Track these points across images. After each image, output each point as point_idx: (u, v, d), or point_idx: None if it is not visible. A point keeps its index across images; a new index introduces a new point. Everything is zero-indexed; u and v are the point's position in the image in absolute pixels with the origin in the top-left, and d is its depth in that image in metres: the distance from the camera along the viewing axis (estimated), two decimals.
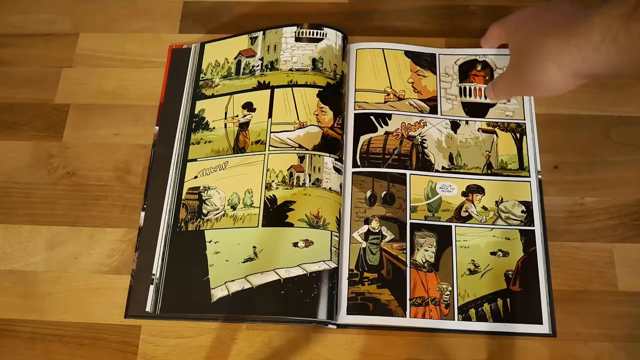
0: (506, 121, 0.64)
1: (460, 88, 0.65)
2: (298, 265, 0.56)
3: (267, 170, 0.60)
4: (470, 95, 0.65)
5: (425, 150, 0.62)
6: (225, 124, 0.64)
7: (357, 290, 0.57)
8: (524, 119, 0.64)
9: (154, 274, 0.58)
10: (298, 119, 0.62)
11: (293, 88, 0.63)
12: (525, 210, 0.60)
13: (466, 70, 0.66)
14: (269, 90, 0.64)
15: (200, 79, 0.67)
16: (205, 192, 0.61)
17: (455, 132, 0.63)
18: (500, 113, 0.64)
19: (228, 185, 0.61)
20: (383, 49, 0.67)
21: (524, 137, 0.63)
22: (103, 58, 0.71)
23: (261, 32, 0.68)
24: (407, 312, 0.56)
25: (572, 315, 0.56)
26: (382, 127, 0.63)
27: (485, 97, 0.65)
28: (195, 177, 0.62)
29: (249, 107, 0.64)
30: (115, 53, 0.71)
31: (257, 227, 0.58)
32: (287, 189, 0.59)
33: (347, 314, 0.56)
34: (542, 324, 0.55)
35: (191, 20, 0.72)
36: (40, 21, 0.73)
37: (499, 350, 0.55)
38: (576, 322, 0.56)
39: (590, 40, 0.42)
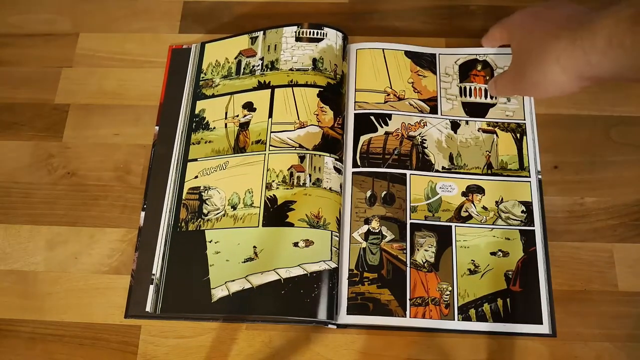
0: (506, 121, 0.64)
1: (460, 88, 0.65)
2: (298, 265, 0.56)
3: (267, 170, 0.60)
4: (470, 95, 0.65)
5: (426, 150, 0.62)
6: (226, 124, 0.64)
7: (357, 290, 0.57)
8: (524, 119, 0.64)
9: (154, 274, 0.58)
10: (298, 119, 0.62)
11: (293, 88, 0.63)
12: (525, 210, 0.60)
13: (466, 70, 0.66)
14: (270, 90, 0.64)
15: (201, 78, 0.67)
16: (206, 192, 0.61)
17: (456, 132, 0.63)
18: (501, 113, 0.64)
19: (228, 185, 0.61)
20: (383, 49, 0.67)
21: (524, 137, 0.63)
22: (103, 58, 0.70)
23: (261, 32, 0.68)
24: (407, 312, 0.56)
25: (572, 315, 0.56)
26: (382, 127, 0.63)
27: (486, 97, 0.65)
28: (196, 177, 0.62)
29: (249, 107, 0.64)
30: (115, 53, 0.71)
31: (258, 227, 0.58)
32: (287, 188, 0.59)
33: (347, 314, 0.56)
34: (542, 324, 0.55)
35: (191, 20, 0.72)
36: (40, 21, 0.73)
37: (499, 350, 0.55)
38: (576, 322, 0.56)
39: (596, 44, 0.42)
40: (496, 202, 0.60)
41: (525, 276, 0.57)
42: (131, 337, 0.57)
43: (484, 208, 0.60)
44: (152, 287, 0.58)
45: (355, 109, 0.64)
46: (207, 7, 0.73)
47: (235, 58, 0.67)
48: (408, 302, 0.56)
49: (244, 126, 0.63)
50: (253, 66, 0.66)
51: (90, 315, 0.58)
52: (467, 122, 0.64)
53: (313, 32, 0.66)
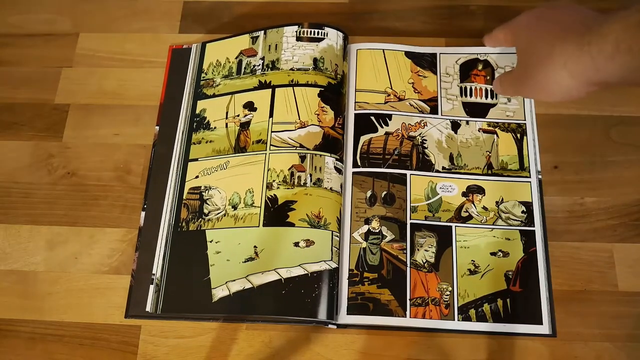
0: (507, 121, 0.64)
1: (460, 88, 0.65)
2: (299, 265, 0.56)
3: (268, 170, 0.60)
4: (470, 95, 0.65)
5: (426, 150, 0.63)
6: (227, 124, 0.64)
7: (357, 290, 0.57)
8: (525, 119, 0.64)
9: (154, 274, 0.58)
10: (299, 119, 0.62)
11: (294, 87, 0.63)
12: (525, 210, 0.60)
13: (467, 70, 0.66)
14: (270, 89, 0.64)
15: (202, 78, 0.67)
16: (207, 191, 0.61)
17: (456, 133, 0.63)
18: (501, 113, 0.64)
19: (229, 184, 0.61)
20: (383, 50, 0.67)
21: (525, 137, 0.63)
22: (103, 58, 0.70)
23: (262, 32, 0.68)
24: (407, 312, 0.56)
25: (572, 315, 0.56)
26: (382, 127, 0.64)
27: (486, 97, 0.65)
28: (197, 176, 0.62)
29: (250, 106, 0.64)
30: (115, 53, 0.71)
31: (258, 226, 0.58)
32: (288, 188, 0.59)
33: (347, 314, 0.56)
34: (542, 324, 0.55)
35: (191, 20, 0.72)
36: (40, 21, 0.73)
37: (499, 350, 0.55)
38: (576, 322, 0.56)
39: (604, 49, 0.41)
40: (496, 202, 0.60)
41: (525, 276, 0.57)
42: (131, 337, 0.57)
43: (484, 208, 0.60)
44: (152, 287, 0.58)
45: (355, 109, 0.64)
46: (207, 7, 0.73)
47: (236, 58, 0.67)
48: (408, 302, 0.56)
49: (245, 126, 0.63)
50: (254, 66, 0.66)
51: (90, 315, 0.58)
52: (467, 122, 0.64)
53: (314, 31, 0.66)
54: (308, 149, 0.60)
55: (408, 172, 0.61)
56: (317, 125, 0.62)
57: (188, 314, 0.57)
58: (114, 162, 0.65)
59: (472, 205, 0.60)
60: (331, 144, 0.61)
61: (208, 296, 0.56)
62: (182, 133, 0.65)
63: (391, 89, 0.66)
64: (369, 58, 0.67)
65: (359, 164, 0.62)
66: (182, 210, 0.61)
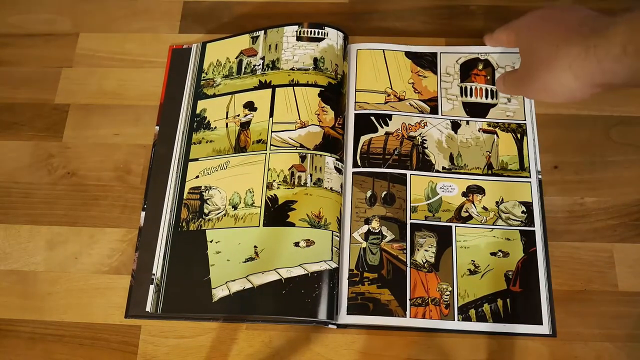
0: (507, 121, 0.64)
1: (461, 88, 0.65)
2: (299, 265, 0.56)
3: (268, 170, 0.60)
4: (471, 95, 0.65)
5: (426, 150, 0.63)
6: (227, 124, 0.64)
7: (357, 290, 0.57)
8: (525, 119, 0.64)
9: (154, 274, 0.58)
10: (299, 119, 0.62)
11: (294, 87, 0.63)
12: (525, 210, 0.60)
13: (467, 70, 0.66)
14: (271, 89, 0.64)
15: (202, 78, 0.67)
16: (207, 191, 0.61)
17: (456, 133, 0.63)
18: (501, 113, 0.64)
19: (229, 184, 0.61)
20: (383, 50, 0.67)
21: (525, 137, 0.63)
22: (103, 58, 0.70)
23: (262, 32, 0.68)
24: (407, 312, 0.56)
25: (572, 315, 0.56)
26: (382, 127, 0.64)
27: (486, 97, 0.65)
28: (197, 176, 0.62)
29: (250, 106, 0.64)
30: (115, 53, 0.71)
31: (259, 226, 0.58)
32: (288, 188, 0.59)
33: (347, 314, 0.56)
34: (542, 324, 0.55)
35: (191, 20, 0.72)
36: (40, 21, 0.73)
37: (499, 350, 0.55)
38: (576, 322, 0.56)
39: (610, 51, 0.41)
40: (496, 202, 0.60)
41: (525, 276, 0.57)
42: (131, 337, 0.57)
43: (484, 208, 0.60)
44: (152, 287, 0.58)
45: (355, 109, 0.64)
46: (207, 7, 0.73)
47: (237, 57, 0.67)
48: (408, 302, 0.56)
49: (245, 126, 0.63)
50: (254, 66, 0.66)
51: (90, 315, 0.58)
52: (467, 122, 0.64)
53: (314, 31, 0.66)
54: (308, 149, 0.60)
55: (408, 172, 0.61)
56: (318, 125, 0.62)
57: (188, 314, 0.57)
58: (114, 162, 0.65)
59: (472, 205, 0.60)
60: (331, 144, 0.61)
61: (208, 296, 0.56)
62: (182, 133, 0.65)
63: (391, 89, 0.66)
64: (369, 58, 0.67)
65: (359, 164, 0.62)
66: (182, 210, 0.61)
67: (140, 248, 0.60)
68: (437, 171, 0.62)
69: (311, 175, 0.59)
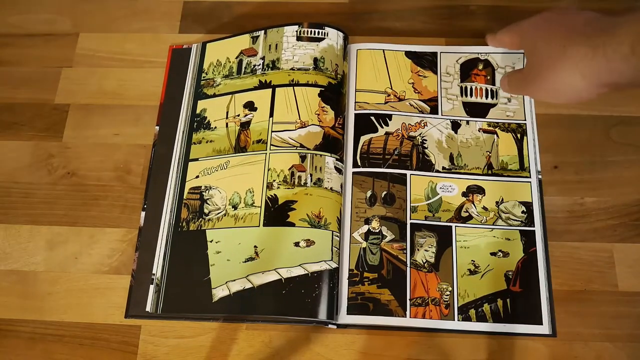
0: (507, 121, 0.64)
1: (461, 88, 0.65)
2: (299, 265, 0.56)
3: (268, 170, 0.60)
4: (471, 95, 0.65)
5: (426, 150, 0.63)
6: (227, 124, 0.64)
7: (357, 290, 0.57)
8: (525, 119, 0.64)
9: (154, 274, 0.58)
10: (299, 119, 0.62)
11: (294, 87, 0.63)
12: (525, 210, 0.60)
13: (467, 70, 0.66)
14: (271, 89, 0.64)
15: (202, 78, 0.67)
16: (207, 191, 0.61)
17: (456, 132, 0.63)
18: (501, 113, 0.64)
19: (229, 184, 0.61)
20: (383, 50, 0.67)
21: (525, 137, 0.63)
22: (103, 58, 0.70)
23: (262, 31, 0.68)
24: (407, 312, 0.56)
25: (572, 315, 0.56)
26: (382, 127, 0.64)
27: (487, 97, 0.65)
28: (197, 176, 0.62)
29: (250, 106, 0.64)
30: (115, 53, 0.71)
31: (259, 226, 0.58)
32: (288, 188, 0.59)
33: (347, 314, 0.56)
34: (542, 324, 0.55)
35: (191, 20, 0.72)
36: (40, 21, 0.73)
37: (499, 350, 0.55)
38: (576, 322, 0.56)
39: (618, 50, 0.41)
40: (496, 202, 0.60)
41: (525, 276, 0.57)
42: (131, 337, 0.57)
43: (484, 208, 0.60)
44: (152, 287, 0.58)
45: (355, 109, 0.64)
46: (207, 7, 0.73)
47: (237, 57, 0.67)
48: (408, 302, 0.56)
49: (245, 126, 0.63)
50: (254, 65, 0.66)
51: (90, 315, 0.58)
52: (467, 122, 0.64)
53: (314, 31, 0.66)
54: (308, 149, 0.60)
55: (408, 172, 0.61)
56: (318, 125, 0.62)
57: (188, 314, 0.57)
58: (114, 162, 0.65)
59: (472, 205, 0.60)
60: (331, 143, 0.61)
61: (208, 296, 0.56)
62: (183, 133, 0.65)
63: (391, 89, 0.66)
64: (369, 58, 0.67)
65: (359, 164, 0.62)
66: (183, 210, 0.61)
67: (140, 248, 0.60)
68: (437, 171, 0.62)
69: (311, 175, 0.59)
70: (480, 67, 0.66)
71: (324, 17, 0.71)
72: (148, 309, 0.57)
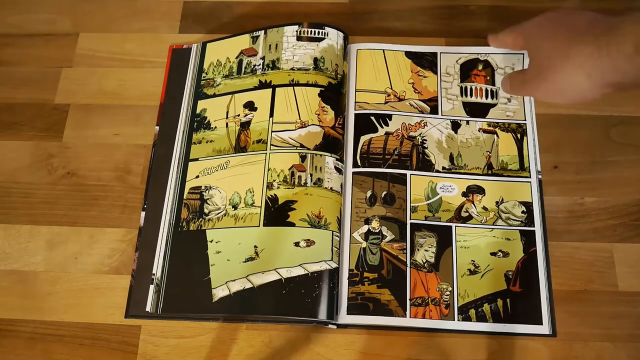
0: (507, 121, 0.64)
1: (461, 88, 0.65)
2: (299, 265, 0.56)
3: (268, 170, 0.60)
4: (471, 95, 0.65)
5: (426, 150, 0.63)
6: (227, 124, 0.64)
7: (357, 290, 0.57)
8: (525, 119, 0.64)
9: (154, 274, 0.58)
10: (299, 119, 0.62)
11: (294, 87, 0.63)
12: (525, 210, 0.60)
13: (467, 70, 0.66)
14: (271, 89, 0.64)
15: (202, 78, 0.67)
16: (207, 191, 0.61)
17: (456, 132, 0.63)
18: (501, 113, 0.64)
19: (229, 184, 0.61)
20: (383, 50, 0.67)
21: (525, 137, 0.63)
22: (103, 58, 0.70)
23: (263, 31, 0.68)
24: (407, 312, 0.56)
25: (572, 315, 0.56)
26: (382, 127, 0.64)
27: (486, 97, 0.65)
28: (197, 176, 0.62)
29: (250, 106, 0.64)
30: (115, 53, 0.71)
31: (259, 226, 0.58)
32: (288, 188, 0.59)
33: (347, 314, 0.56)
34: (542, 324, 0.55)
35: (191, 20, 0.72)
36: (40, 21, 0.73)
37: (499, 350, 0.55)
38: (576, 322, 0.56)
39: (622, 50, 0.42)
40: (496, 202, 0.60)
41: (525, 276, 0.57)
42: (131, 337, 0.57)
43: (484, 208, 0.60)
44: (152, 287, 0.58)
45: (355, 109, 0.64)
46: (207, 7, 0.73)
47: (237, 57, 0.67)
48: (408, 302, 0.56)
49: (245, 125, 0.63)
50: (254, 65, 0.66)
51: (90, 315, 0.58)
52: (467, 122, 0.64)
53: (314, 31, 0.66)
54: (308, 149, 0.60)
55: (408, 172, 0.61)
56: (318, 125, 0.62)
57: (188, 314, 0.57)
58: (114, 162, 0.65)
59: (472, 205, 0.60)
60: (331, 143, 0.61)
61: (208, 296, 0.56)
62: (183, 133, 0.65)
63: (391, 89, 0.66)
64: (369, 58, 0.67)
65: (359, 164, 0.62)
66: (183, 210, 0.61)
67: (140, 248, 0.60)
68: (437, 171, 0.62)
69: (311, 175, 0.59)
70: (480, 67, 0.66)
71: (324, 17, 0.71)
72: (148, 309, 0.57)
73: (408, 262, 0.58)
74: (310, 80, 0.64)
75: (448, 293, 0.57)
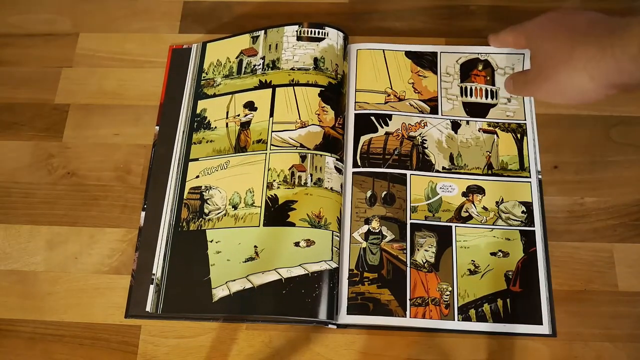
0: (507, 121, 0.64)
1: (461, 88, 0.65)
2: (299, 265, 0.56)
3: (268, 170, 0.60)
4: (471, 95, 0.65)
5: (426, 150, 0.63)
6: (227, 124, 0.64)
7: (357, 290, 0.57)
8: (525, 119, 0.64)
9: (154, 274, 0.58)
10: (299, 119, 0.62)
11: (294, 87, 0.63)
12: (525, 210, 0.60)
13: (467, 70, 0.66)
14: (271, 89, 0.64)
15: (202, 78, 0.67)
16: (207, 191, 0.61)
17: (456, 132, 0.63)
18: (501, 113, 0.64)
19: (229, 184, 0.61)
20: (383, 50, 0.67)
21: (525, 137, 0.63)
22: (103, 58, 0.70)
23: (263, 31, 0.68)
24: (407, 312, 0.56)
25: (572, 315, 0.56)
26: (382, 127, 0.64)
27: (486, 97, 0.65)
28: (197, 176, 0.62)
29: (250, 106, 0.64)
30: (115, 53, 0.71)
31: (259, 226, 0.58)
32: (288, 188, 0.59)
33: (347, 314, 0.56)
34: (542, 324, 0.55)
35: (191, 20, 0.72)
36: (40, 21, 0.73)
37: (499, 350, 0.55)
38: (576, 322, 0.56)
39: (627, 51, 0.42)
40: (496, 202, 0.60)
41: (525, 276, 0.57)
42: (131, 337, 0.57)
43: (484, 208, 0.60)
44: (152, 287, 0.58)
45: (355, 109, 0.64)
46: (207, 7, 0.73)
47: (237, 57, 0.67)
48: (408, 302, 0.56)
49: (245, 125, 0.63)
50: (254, 65, 0.66)
51: (90, 315, 0.58)
52: (467, 122, 0.64)
53: (314, 31, 0.66)
54: (308, 149, 0.60)
55: (408, 172, 0.61)
56: (318, 125, 0.62)
57: (188, 314, 0.57)
58: (114, 162, 0.65)
59: (472, 205, 0.60)
60: (331, 143, 0.61)
61: (208, 296, 0.56)
62: (183, 133, 0.65)
63: (391, 89, 0.66)
64: (369, 58, 0.67)
65: (359, 164, 0.62)
66: (183, 210, 0.61)
67: (140, 248, 0.60)
68: (437, 171, 0.62)
69: (311, 175, 0.59)
70: (480, 67, 0.66)
71: (324, 17, 0.71)
72: (148, 309, 0.57)
73: (408, 262, 0.58)
74: (311, 80, 0.64)
75: (448, 293, 0.57)
